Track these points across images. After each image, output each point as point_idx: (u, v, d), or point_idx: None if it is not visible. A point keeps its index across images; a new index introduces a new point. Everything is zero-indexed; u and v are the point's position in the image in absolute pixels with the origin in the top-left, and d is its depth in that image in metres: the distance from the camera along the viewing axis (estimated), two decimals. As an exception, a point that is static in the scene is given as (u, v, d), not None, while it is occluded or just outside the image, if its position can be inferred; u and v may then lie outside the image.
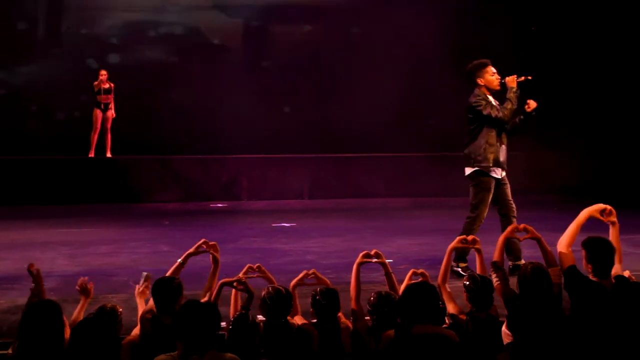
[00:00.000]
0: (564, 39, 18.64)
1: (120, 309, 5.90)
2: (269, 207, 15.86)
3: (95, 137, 16.90)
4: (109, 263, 9.78)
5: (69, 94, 18.19)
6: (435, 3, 18.38)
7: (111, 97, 16.89)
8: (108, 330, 4.64)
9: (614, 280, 5.77)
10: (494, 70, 8.88)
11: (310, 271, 6.15)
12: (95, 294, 6.29)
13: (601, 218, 6.17)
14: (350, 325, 5.86)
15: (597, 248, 5.78)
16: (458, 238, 6.21)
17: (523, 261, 8.17)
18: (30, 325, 4.85)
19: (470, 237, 6.20)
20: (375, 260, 6.09)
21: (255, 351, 5.45)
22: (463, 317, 5.85)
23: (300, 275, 6.14)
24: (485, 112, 8.67)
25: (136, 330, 5.75)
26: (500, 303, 5.93)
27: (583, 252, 5.82)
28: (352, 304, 5.93)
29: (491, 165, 8.71)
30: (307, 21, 19.12)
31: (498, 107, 8.75)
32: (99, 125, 16.90)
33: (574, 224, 6.05)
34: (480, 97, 8.75)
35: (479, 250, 6.17)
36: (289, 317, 5.84)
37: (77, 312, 5.95)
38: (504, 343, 5.77)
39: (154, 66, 18.62)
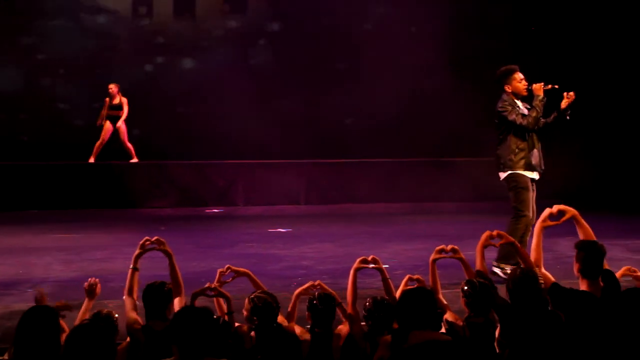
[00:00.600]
0: (563, 39, 18.61)
1: (116, 315, 5.88)
2: (265, 213, 15.87)
3: (99, 147, 16.93)
4: (105, 269, 9.75)
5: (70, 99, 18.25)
6: (435, 4, 18.41)
7: (122, 112, 16.91)
8: (104, 336, 4.62)
9: (602, 283, 5.77)
10: (522, 77, 8.98)
11: (316, 282, 6.14)
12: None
13: (555, 223, 6.20)
14: (344, 332, 5.86)
15: (589, 250, 5.79)
16: (437, 249, 6.18)
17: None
18: (27, 331, 4.84)
19: (449, 247, 6.16)
20: (373, 266, 6.08)
21: (247, 356, 5.47)
22: (460, 322, 5.85)
23: (306, 285, 6.12)
24: (510, 118, 8.82)
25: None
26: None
27: (575, 253, 5.84)
28: (349, 309, 5.93)
29: (522, 170, 8.86)
30: (303, 27, 19.09)
31: (524, 113, 8.84)
32: (106, 137, 16.93)
33: (535, 241, 6.08)
34: (506, 103, 8.88)
35: (461, 260, 6.15)
36: (285, 322, 5.84)
37: (82, 313, 5.94)
38: (497, 351, 5.76)
39: (149, 71, 18.61)
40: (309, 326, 5.88)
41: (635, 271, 6.28)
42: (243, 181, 17.18)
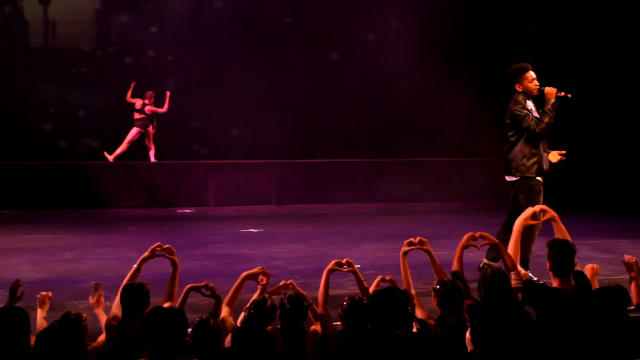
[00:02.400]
0: (562, 40, 18.71)
1: (85, 316, 5.84)
2: (236, 213, 15.85)
3: (123, 147, 17.07)
4: (74, 269, 9.70)
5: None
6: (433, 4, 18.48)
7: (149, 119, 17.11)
8: (73, 337, 4.58)
9: (573, 282, 5.82)
10: (534, 76, 8.79)
11: (289, 282, 6.13)
12: (61, 300, 6.24)
13: (536, 222, 6.25)
14: (317, 331, 5.85)
15: (560, 249, 5.84)
16: (406, 242, 6.18)
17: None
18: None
19: (417, 239, 6.18)
20: (347, 269, 6.07)
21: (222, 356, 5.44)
22: (431, 322, 5.86)
23: (280, 284, 6.11)
24: (524, 125, 8.66)
25: (102, 337, 5.70)
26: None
27: (547, 251, 5.88)
28: (319, 310, 5.92)
29: (535, 175, 8.74)
30: (279, 27, 19.08)
31: (537, 115, 8.70)
32: (129, 139, 17.14)
33: (513, 241, 6.11)
34: (520, 105, 8.70)
35: (428, 252, 6.16)
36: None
37: (39, 321, 5.89)
38: (468, 350, 5.78)
39: (120, 71, 18.48)
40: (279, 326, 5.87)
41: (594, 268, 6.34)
42: (214, 182, 17.14)
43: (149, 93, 17.21)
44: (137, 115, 17.19)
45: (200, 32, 18.70)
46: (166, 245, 6.09)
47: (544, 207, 6.34)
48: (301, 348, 5.73)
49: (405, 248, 6.15)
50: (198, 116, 18.23)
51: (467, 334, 5.79)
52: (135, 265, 5.98)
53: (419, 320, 5.86)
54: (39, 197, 15.92)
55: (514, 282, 5.85)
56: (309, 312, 5.90)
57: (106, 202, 16.30)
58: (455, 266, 6.05)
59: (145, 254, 6.04)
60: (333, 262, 6.07)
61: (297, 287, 6.06)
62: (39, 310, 6.01)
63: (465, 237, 6.14)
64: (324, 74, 18.86)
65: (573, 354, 5.57)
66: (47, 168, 16.58)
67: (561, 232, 6.29)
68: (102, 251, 11.08)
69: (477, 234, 6.12)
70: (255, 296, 5.92)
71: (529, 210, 6.29)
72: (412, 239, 6.15)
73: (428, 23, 18.57)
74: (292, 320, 5.77)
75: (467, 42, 18.78)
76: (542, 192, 8.74)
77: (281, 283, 6.11)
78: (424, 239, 6.12)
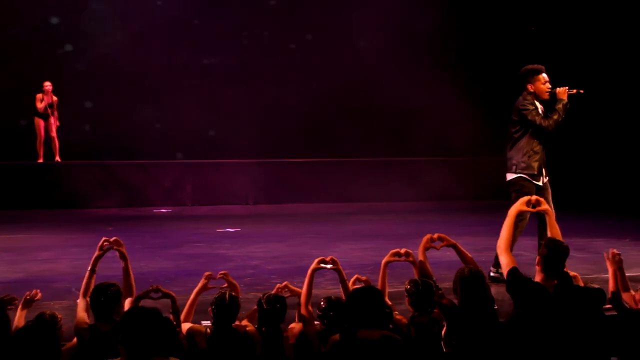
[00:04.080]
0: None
1: (61, 316, 5.82)
2: (213, 213, 15.82)
3: (41, 146, 16.75)
4: (50, 269, 9.65)
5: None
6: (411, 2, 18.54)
7: (53, 109, 16.74)
8: (48, 337, 4.57)
9: (556, 281, 5.86)
10: (546, 79, 8.70)
11: (283, 284, 6.12)
12: (36, 300, 6.19)
13: (530, 209, 6.25)
14: (296, 331, 5.86)
15: (554, 249, 5.86)
16: (391, 252, 6.19)
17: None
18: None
19: (403, 250, 6.18)
20: (331, 266, 6.07)
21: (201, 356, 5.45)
22: (405, 321, 5.88)
23: (275, 290, 6.11)
24: (530, 118, 8.55)
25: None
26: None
27: (541, 247, 5.91)
28: (302, 309, 5.93)
29: (536, 173, 8.63)
30: (253, 26, 19.06)
31: (543, 115, 8.62)
32: (42, 133, 16.72)
33: (506, 225, 6.07)
34: (527, 102, 8.61)
35: (413, 263, 6.18)
36: (237, 322, 5.84)
37: (17, 319, 5.87)
38: (444, 349, 5.81)
39: (95, 70, 18.38)
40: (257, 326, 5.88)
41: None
42: (191, 181, 17.11)
43: (46, 83, 16.79)
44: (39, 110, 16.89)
45: (175, 32, 18.64)
46: (113, 238, 6.01)
47: (541, 199, 6.34)
48: (280, 348, 5.74)
49: (389, 258, 6.15)
50: (174, 116, 18.17)
51: (443, 334, 5.82)
52: (89, 268, 5.91)
53: (394, 321, 5.88)
54: (14, 197, 15.83)
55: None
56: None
57: (82, 201, 16.22)
58: (421, 268, 6.06)
59: (95, 253, 5.96)
60: (317, 260, 6.07)
61: (292, 287, 6.08)
62: (20, 310, 5.97)
63: (424, 239, 6.13)
64: (300, 73, 18.86)
65: (548, 352, 5.62)
66: (21, 168, 16.48)
67: (553, 227, 6.29)
68: (77, 251, 11.02)
69: (435, 235, 6.12)
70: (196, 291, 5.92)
71: (524, 198, 6.29)
72: (398, 250, 6.15)
73: (406, 22, 18.62)
74: (270, 321, 5.79)
75: (445, 41, 18.83)
76: (532, 194, 8.61)
77: (275, 288, 6.12)
78: (410, 251, 6.14)
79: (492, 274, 8.48)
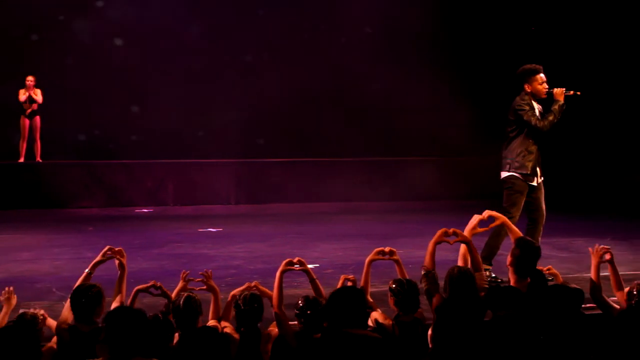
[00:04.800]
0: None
1: (42, 317, 5.81)
2: (194, 213, 15.79)
3: (23, 145, 16.66)
4: (32, 270, 9.61)
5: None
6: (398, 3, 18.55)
7: (37, 105, 16.65)
8: (28, 337, 4.57)
9: (529, 279, 5.90)
10: (544, 79, 8.72)
11: (253, 283, 6.13)
12: (17, 301, 6.18)
13: (481, 230, 6.34)
14: (275, 332, 5.87)
15: (526, 250, 5.90)
16: (375, 250, 6.21)
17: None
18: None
19: (387, 249, 6.20)
20: (298, 267, 6.09)
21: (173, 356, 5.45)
22: (388, 321, 5.90)
23: (243, 287, 6.12)
24: (525, 118, 8.56)
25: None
26: (427, 307, 6.00)
27: (513, 247, 5.95)
28: (274, 310, 5.94)
29: (529, 173, 8.63)
30: (237, 24, 19.03)
31: (540, 115, 8.63)
32: (26, 133, 16.65)
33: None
34: (524, 102, 8.63)
35: (397, 262, 6.20)
36: (215, 322, 5.84)
37: (0, 318, 5.86)
38: (430, 347, 5.83)
39: (78, 69, 18.31)
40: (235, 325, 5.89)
41: (550, 269, 6.44)
42: (173, 181, 17.07)
43: (29, 78, 16.66)
44: (24, 106, 16.77)
45: (158, 32, 18.60)
46: (117, 248, 6.09)
47: (494, 213, 6.40)
48: (257, 348, 5.75)
49: (373, 257, 6.17)
50: (156, 116, 18.12)
51: (429, 332, 5.85)
52: (87, 270, 5.95)
53: (375, 320, 5.90)
54: (-5, 197, 15.77)
55: (479, 282, 5.92)
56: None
57: (63, 201, 16.15)
58: (426, 261, 6.08)
59: (98, 257, 6.04)
60: (285, 262, 6.08)
61: (262, 288, 6.08)
62: (4, 306, 5.97)
63: (438, 232, 6.16)
64: (282, 72, 18.84)
65: (527, 352, 5.65)
66: (2, 168, 16.39)
67: (514, 234, 6.38)
68: (59, 251, 10.98)
69: (451, 230, 6.14)
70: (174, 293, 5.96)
71: (475, 219, 6.35)
72: (382, 249, 6.17)
73: (394, 19, 18.65)
74: (247, 321, 5.80)
75: (431, 40, 18.85)
76: (524, 194, 8.66)
77: (245, 285, 6.12)
78: (394, 249, 6.16)
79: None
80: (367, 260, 6.16)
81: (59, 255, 10.65)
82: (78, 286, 5.72)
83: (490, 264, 8.33)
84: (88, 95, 18.02)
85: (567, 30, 18.74)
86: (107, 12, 18.40)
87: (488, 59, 18.59)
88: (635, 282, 6.28)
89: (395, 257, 6.14)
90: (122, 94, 18.25)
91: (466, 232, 6.30)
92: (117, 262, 6.08)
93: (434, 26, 18.73)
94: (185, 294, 5.77)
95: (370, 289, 6.17)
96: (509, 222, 6.41)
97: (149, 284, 5.90)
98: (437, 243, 6.14)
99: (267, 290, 6.08)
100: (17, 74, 16.88)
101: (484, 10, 19.22)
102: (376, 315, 5.97)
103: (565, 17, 18.78)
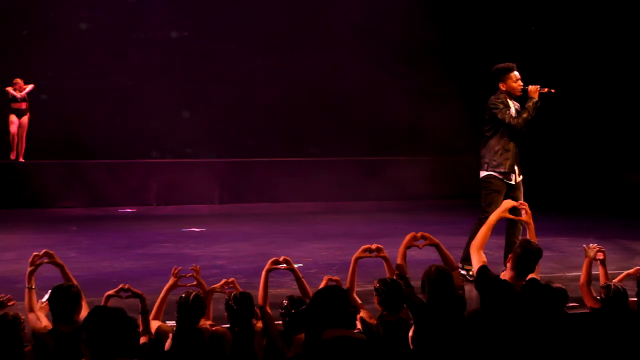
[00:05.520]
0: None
1: (24, 317, 5.77)
2: (178, 212, 15.74)
3: (14, 140, 16.61)
4: (14, 270, 9.53)
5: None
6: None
7: (26, 104, 16.61)
8: (10, 338, 4.54)
9: (524, 282, 5.92)
10: (518, 76, 8.74)
11: (230, 280, 6.12)
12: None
13: (512, 217, 6.34)
14: (258, 329, 5.87)
15: (527, 251, 5.92)
16: (362, 247, 6.21)
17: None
18: None
19: (374, 246, 6.20)
20: (284, 266, 6.08)
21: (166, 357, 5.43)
22: (373, 321, 5.89)
23: (220, 283, 6.10)
24: (499, 116, 8.58)
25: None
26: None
27: (516, 246, 5.98)
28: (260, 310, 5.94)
29: (507, 170, 8.65)
30: (219, 24, 18.99)
31: (515, 113, 8.65)
32: (14, 130, 16.58)
33: (486, 226, 6.18)
34: (499, 100, 8.65)
35: (385, 258, 6.20)
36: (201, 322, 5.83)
37: None
38: (411, 347, 5.83)
39: (60, 69, 18.22)
40: (227, 325, 5.87)
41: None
42: (156, 181, 17.01)
43: (16, 80, 16.65)
44: (13, 105, 16.74)
45: (140, 31, 18.55)
46: (42, 251, 6.01)
47: (526, 207, 6.43)
48: (250, 346, 5.74)
49: (359, 254, 6.16)
50: (139, 115, 18.07)
51: (410, 332, 5.85)
52: (26, 285, 5.86)
53: (361, 319, 5.89)
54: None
55: (456, 281, 5.93)
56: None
57: (46, 201, 16.07)
58: (399, 266, 6.08)
59: (29, 269, 5.92)
60: (270, 261, 6.08)
61: (237, 285, 6.08)
62: None
63: (407, 237, 6.17)
64: (266, 72, 18.81)
65: (512, 350, 5.66)
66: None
67: (532, 238, 6.38)
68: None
69: (419, 234, 6.16)
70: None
71: (507, 204, 6.38)
72: (369, 246, 6.17)
73: (376, 21, 18.66)
74: (239, 320, 5.78)
75: (415, 41, 18.85)
76: (502, 192, 8.67)
77: (222, 282, 6.11)
78: (381, 246, 6.16)
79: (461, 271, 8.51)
80: (353, 257, 6.15)
81: (35, 252, 10.57)
82: (57, 286, 5.70)
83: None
84: (71, 94, 17.91)
85: (545, 29, 18.82)
86: (91, 12, 18.32)
87: (475, 57, 18.57)
88: (613, 281, 6.34)
89: (382, 255, 6.14)
90: (105, 94, 18.17)
91: (495, 214, 6.34)
92: (52, 264, 5.98)
93: (421, 25, 18.69)
94: (194, 292, 5.75)
95: (355, 288, 6.16)
96: (531, 224, 6.40)
97: (117, 288, 5.85)
98: (407, 247, 6.15)
99: (238, 287, 6.07)
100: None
101: (470, 7, 19.21)
102: (362, 314, 5.96)
103: (546, 16, 18.85)
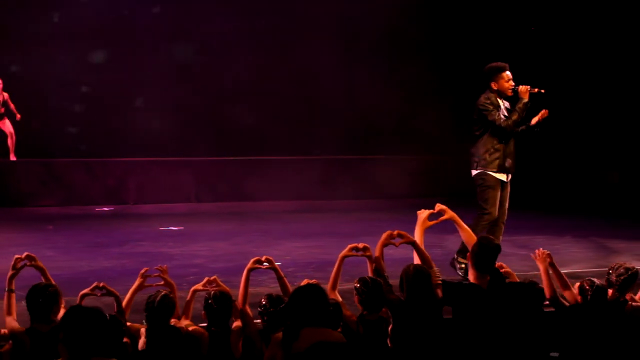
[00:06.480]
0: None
1: None
2: (155, 211, 15.67)
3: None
4: (-11, 269, 9.47)
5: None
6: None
7: (5, 107, 16.48)
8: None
9: (488, 276, 5.94)
10: (510, 76, 8.77)
11: (212, 277, 6.10)
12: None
13: (435, 222, 6.39)
14: (239, 325, 5.86)
15: (487, 247, 5.94)
16: (349, 246, 6.21)
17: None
18: None
19: (361, 245, 6.21)
20: (266, 265, 6.07)
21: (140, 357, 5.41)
22: (354, 319, 5.90)
23: (203, 282, 6.08)
24: (490, 118, 8.62)
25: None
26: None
27: (474, 245, 5.99)
28: (240, 307, 5.92)
29: (496, 170, 8.69)
30: (196, 24, 18.92)
31: (506, 112, 8.69)
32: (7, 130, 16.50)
33: (417, 244, 6.18)
34: (488, 102, 8.67)
35: (369, 257, 6.20)
36: (176, 321, 5.80)
37: None
38: (389, 346, 5.84)
39: (36, 65, 18.08)
40: (205, 324, 5.85)
41: (503, 267, 6.47)
42: (133, 179, 16.93)
43: None
44: None
45: (118, 27, 18.45)
46: (24, 254, 5.99)
47: (443, 207, 6.44)
48: (227, 345, 5.73)
49: (346, 252, 6.16)
50: (116, 113, 17.97)
51: (389, 331, 5.86)
52: (6, 289, 5.83)
53: (343, 318, 5.89)
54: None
55: (434, 279, 5.96)
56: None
57: (22, 200, 15.96)
58: (377, 265, 6.09)
59: (10, 272, 5.91)
60: (253, 260, 6.08)
61: (220, 283, 6.06)
62: None
63: (383, 235, 6.18)
64: (245, 69, 18.76)
65: (488, 348, 5.69)
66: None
67: (465, 232, 6.42)
68: (17, 250, 10.63)
69: (395, 232, 6.17)
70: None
71: (425, 212, 6.41)
72: (356, 245, 6.17)
73: (354, 19, 18.67)
74: (217, 319, 5.77)
75: (395, 39, 18.85)
76: (497, 188, 8.72)
77: (205, 280, 6.10)
78: (367, 245, 6.17)
79: (458, 265, 8.52)
80: (339, 256, 6.16)
81: (17, 255, 10.50)
82: (35, 286, 5.68)
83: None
84: (47, 92, 17.79)
85: (533, 29, 18.90)
86: (61, 9, 18.18)
87: (462, 55, 18.60)
88: (586, 278, 6.36)
89: (368, 254, 6.16)
90: (81, 92, 18.06)
91: (417, 227, 6.33)
92: (33, 267, 5.96)
93: (402, 21, 18.67)
94: (162, 292, 5.72)
95: (338, 286, 6.16)
96: (458, 218, 6.42)
97: (92, 286, 5.81)
98: (384, 245, 6.16)
99: (224, 286, 6.06)
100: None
101: (457, 3, 19.22)
102: (344, 313, 5.96)
103: (530, 15, 18.93)
